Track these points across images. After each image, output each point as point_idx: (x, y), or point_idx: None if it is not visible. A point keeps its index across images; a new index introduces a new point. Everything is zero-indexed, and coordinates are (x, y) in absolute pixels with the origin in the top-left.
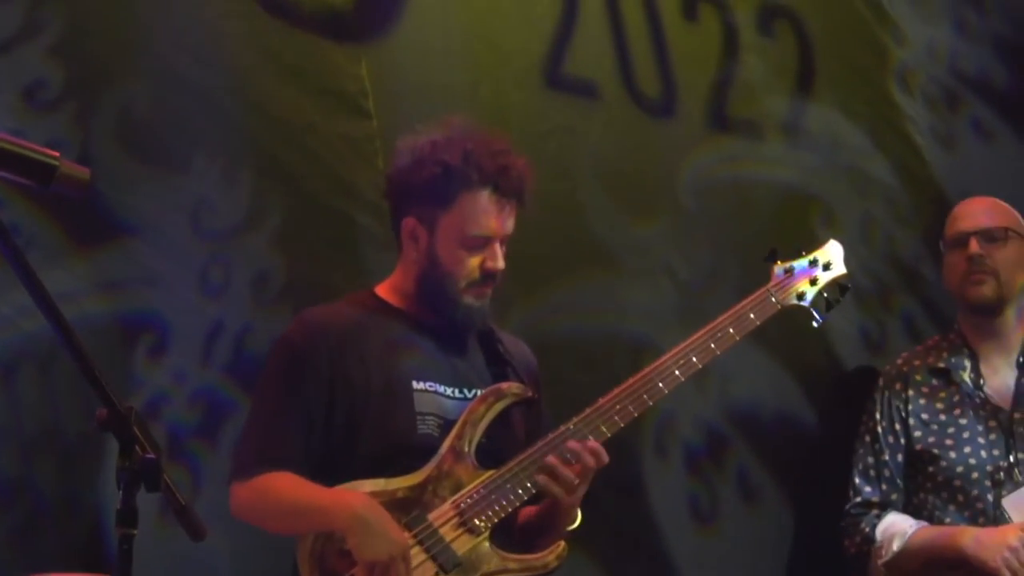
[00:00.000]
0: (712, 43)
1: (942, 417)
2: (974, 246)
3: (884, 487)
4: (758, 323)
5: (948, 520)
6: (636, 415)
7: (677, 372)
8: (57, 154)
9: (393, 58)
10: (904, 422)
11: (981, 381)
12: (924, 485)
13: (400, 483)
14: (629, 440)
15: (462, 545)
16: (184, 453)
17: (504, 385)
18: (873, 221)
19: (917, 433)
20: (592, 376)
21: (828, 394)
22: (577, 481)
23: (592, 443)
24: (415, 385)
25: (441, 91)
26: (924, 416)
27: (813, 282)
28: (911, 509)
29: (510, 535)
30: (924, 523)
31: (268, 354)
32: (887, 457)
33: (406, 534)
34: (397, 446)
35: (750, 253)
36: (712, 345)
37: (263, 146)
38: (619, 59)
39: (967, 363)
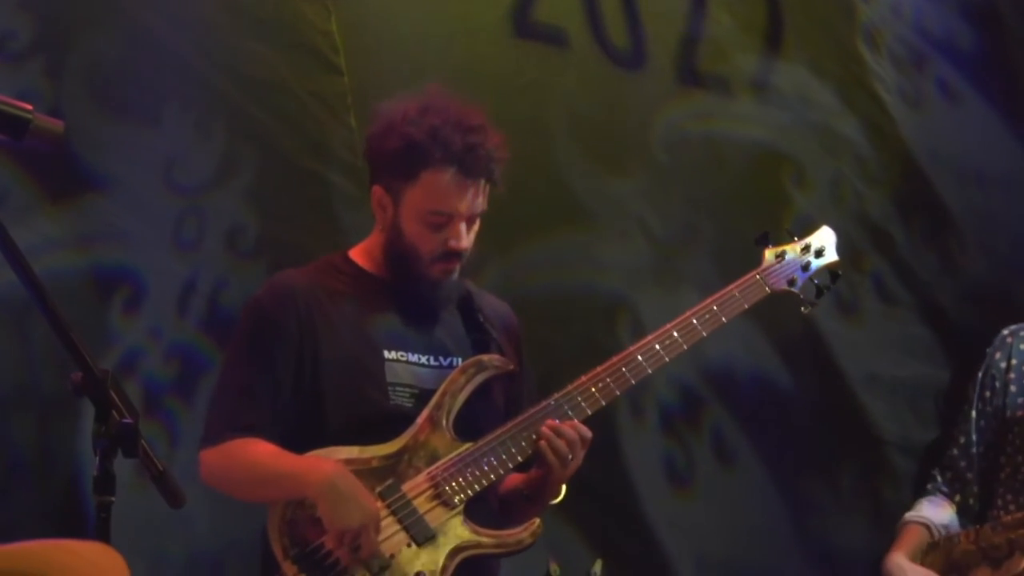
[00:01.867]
0: None
1: None
2: None
3: (960, 453)
4: (746, 306)
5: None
6: (618, 394)
7: (662, 352)
8: (31, 107)
9: (363, 12)
10: (1003, 390)
11: None
12: (1013, 457)
13: (375, 451)
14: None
15: (435, 518)
16: (160, 409)
17: (485, 357)
18: (843, 180)
19: (1019, 399)
20: (567, 333)
21: (801, 354)
22: (570, 456)
23: (574, 429)
24: (387, 355)
25: (413, 45)
26: None
27: (804, 268)
28: (996, 481)
29: (488, 504)
30: (922, 521)
31: (239, 318)
32: (969, 425)
33: (378, 503)
34: (367, 416)
35: (723, 211)
36: (699, 327)
37: (234, 103)
38: (587, 10)
39: None
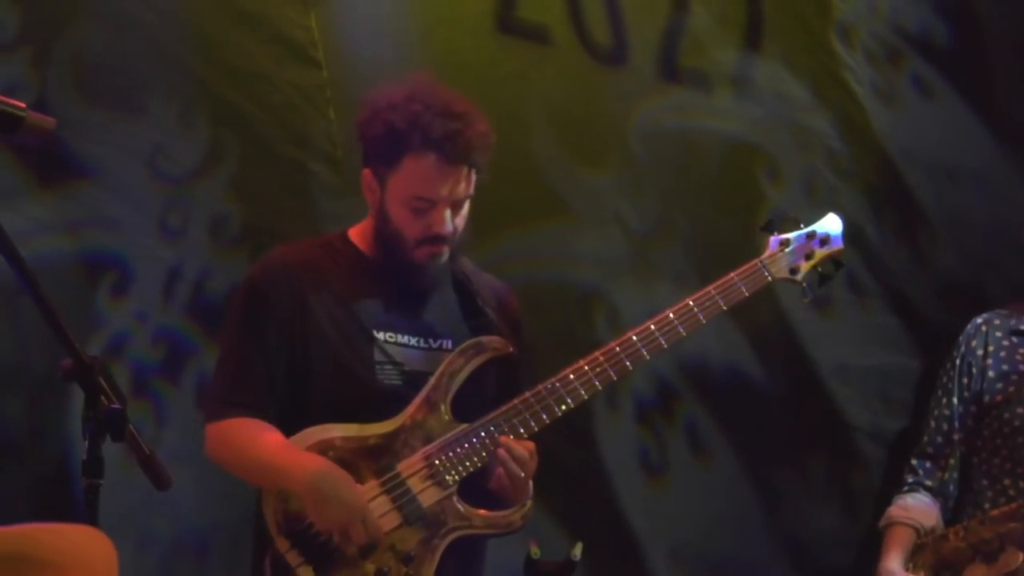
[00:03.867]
0: None
1: (1021, 368)
2: None
3: (940, 440)
4: (747, 293)
5: (1007, 481)
6: (615, 378)
7: (660, 337)
8: (23, 105)
9: (343, 5)
10: (980, 376)
11: None
12: (990, 442)
13: (373, 430)
14: None
15: (429, 497)
16: (148, 391)
17: (485, 339)
18: (816, 174)
19: (997, 385)
20: (542, 324)
21: (773, 345)
22: (522, 473)
23: (523, 445)
24: (377, 335)
25: (392, 38)
26: (1004, 367)
27: (808, 256)
28: (972, 467)
29: (480, 494)
30: (911, 523)
31: (234, 294)
32: (950, 412)
33: (372, 481)
34: (354, 394)
35: (698, 204)
36: (698, 313)
37: (217, 92)
38: (570, 5)
39: None
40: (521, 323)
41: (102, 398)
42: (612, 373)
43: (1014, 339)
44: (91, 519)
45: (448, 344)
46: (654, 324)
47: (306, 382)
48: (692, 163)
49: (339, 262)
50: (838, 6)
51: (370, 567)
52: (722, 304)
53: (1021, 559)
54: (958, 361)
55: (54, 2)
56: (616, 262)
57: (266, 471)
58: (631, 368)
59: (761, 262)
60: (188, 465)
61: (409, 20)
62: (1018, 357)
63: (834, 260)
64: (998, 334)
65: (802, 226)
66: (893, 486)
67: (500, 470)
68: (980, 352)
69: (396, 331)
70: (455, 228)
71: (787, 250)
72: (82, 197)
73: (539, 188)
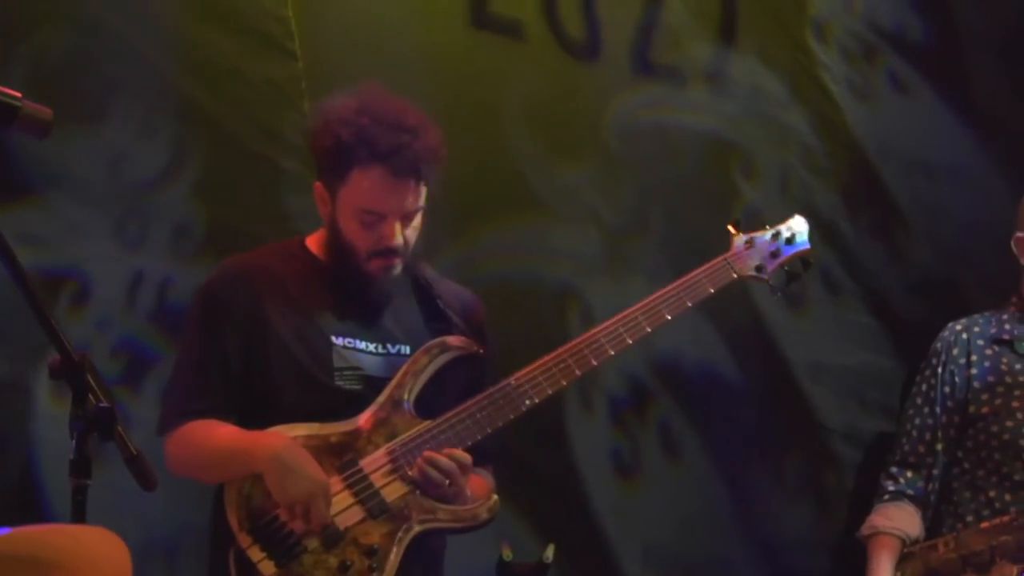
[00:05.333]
0: None
1: (1008, 380)
2: None
3: (922, 449)
4: (712, 290)
5: (992, 493)
6: (579, 374)
7: (624, 334)
8: (19, 94)
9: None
10: (965, 386)
11: None
12: (974, 453)
13: (335, 428)
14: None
15: (392, 492)
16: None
17: (450, 338)
18: (791, 171)
19: (984, 396)
20: (516, 321)
21: (748, 344)
22: (447, 482)
23: (449, 454)
24: (334, 340)
25: (368, 30)
26: (991, 379)
27: (775, 255)
28: (953, 478)
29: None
30: (897, 533)
31: (191, 302)
32: (933, 422)
33: (335, 477)
34: (314, 398)
35: (673, 201)
36: (664, 310)
37: (184, 92)
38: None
39: None
40: (486, 332)
41: (90, 396)
42: (577, 371)
43: (997, 348)
44: (78, 520)
45: (407, 351)
46: (619, 322)
47: (266, 388)
48: (667, 159)
49: (296, 269)
50: (813, 2)
51: (333, 560)
52: (688, 301)
53: (1016, 574)
54: (939, 369)
55: (17, 5)
56: (591, 259)
57: (228, 457)
58: (596, 365)
59: (726, 260)
60: (157, 472)
61: (384, 12)
62: (1003, 367)
63: (802, 259)
64: (980, 342)
65: (767, 227)
66: (867, 488)
67: (420, 484)
68: (963, 361)
69: (354, 337)
70: (406, 241)
71: (752, 249)
72: (41, 206)
73: (514, 184)
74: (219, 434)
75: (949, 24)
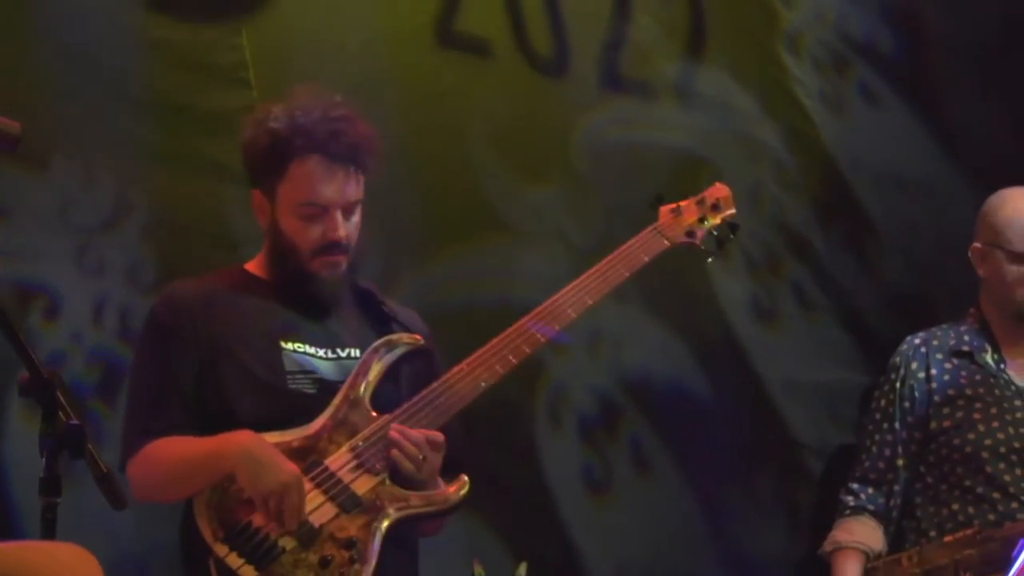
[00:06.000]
0: (605, 2)
1: (968, 392)
2: None
3: (882, 466)
4: (646, 259)
5: (955, 506)
6: (529, 352)
7: (570, 311)
8: None
9: (280, 20)
10: (925, 400)
11: (1003, 365)
12: (937, 467)
13: (296, 433)
14: (522, 407)
15: (362, 486)
16: (85, 412)
17: (395, 336)
18: (763, 187)
19: (945, 410)
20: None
21: (719, 360)
22: (422, 456)
23: (422, 433)
24: (284, 345)
25: (329, 55)
26: (951, 392)
27: (702, 220)
28: (915, 493)
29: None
30: (860, 547)
31: (138, 334)
32: (893, 438)
33: (303, 477)
34: (270, 405)
35: (642, 219)
36: (601, 284)
37: (126, 130)
38: (511, 16)
39: (988, 346)
40: (429, 340)
41: (60, 414)
42: (526, 348)
43: (956, 360)
44: (48, 539)
45: (356, 353)
46: (560, 298)
47: (220, 404)
48: (636, 176)
49: (239, 288)
50: (784, 15)
51: (313, 557)
52: (624, 271)
53: None
54: (898, 384)
55: None
56: (559, 280)
57: (197, 463)
58: (543, 341)
59: (656, 229)
60: (126, 485)
61: (348, 35)
62: (963, 380)
63: (729, 224)
64: (939, 356)
65: (690, 196)
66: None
67: (395, 459)
68: (922, 375)
69: (303, 342)
70: (348, 236)
71: (680, 217)
72: (8, 222)
73: (480, 204)
74: (184, 445)
75: (919, 35)
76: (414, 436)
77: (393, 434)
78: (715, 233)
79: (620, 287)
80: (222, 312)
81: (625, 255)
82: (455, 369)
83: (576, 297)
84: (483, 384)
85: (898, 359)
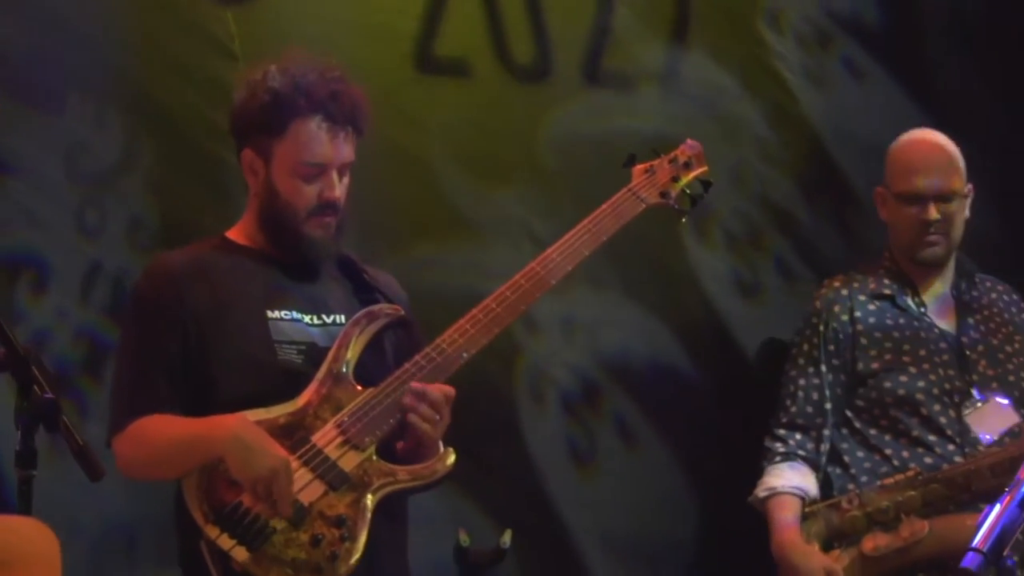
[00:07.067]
0: None
1: (895, 335)
2: (933, 212)
3: (810, 410)
4: (623, 222)
5: (888, 451)
6: (510, 321)
7: (544, 274)
8: None
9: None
10: (851, 344)
11: (923, 308)
12: (866, 411)
13: (281, 410)
14: (502, 386)
15: (349, 462)
16: (71, 387)
17: (376, 308)
18: (745, 164)
19: (872, 352)
20: None
21: (702, 337)
22: (438, 416)
23: (439, 388)
24: (270, 314)
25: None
26: (877, 335)
27: (675, 179)
28: (841, 438)
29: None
30: (796, 492)
31: (124, 310)
32: (819, 381)
33: (289, 456)
34: (260, 377)
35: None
36: (579, 247)
37: (136, 86)
38: (492, 29)
39: (908, 289)
40: (408, 307)
41: (35, 388)
42: (506, 316)
43: (879, 303)
44: (24, 511)
45: (342, 319)
46: (538, 264)
47: (207, 377)
48: (610, 167)
49: (221, 256)
50: None
51: (304, 536)
52: (602, 236)
53: (927, 529)
54: (821, 328)
55: None
56: None
57: (185, 445)
58: (523, 310)
59: (631, 190)
60: (112, 460)
61: (325, 19)
62: (889, 322)
63: (702, 181)
64: (862, 297)
65: (661, 154)
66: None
67: (412, 421)
68: (845, 317)
69: (289, 309)
70: (341, 196)
71: (653, 176)
72: (1, 193)
73: (449, 205)
74: (172, 425)
75: (906, 7)
76: (433, 396)
77: (409, 399)
78: (688, 192)
79: (593, 267)
80: (208, 284)
81: (600, 219)
82: (436, 341)
83: (553, 264)
84: (465, 355)
85: (819, 303)
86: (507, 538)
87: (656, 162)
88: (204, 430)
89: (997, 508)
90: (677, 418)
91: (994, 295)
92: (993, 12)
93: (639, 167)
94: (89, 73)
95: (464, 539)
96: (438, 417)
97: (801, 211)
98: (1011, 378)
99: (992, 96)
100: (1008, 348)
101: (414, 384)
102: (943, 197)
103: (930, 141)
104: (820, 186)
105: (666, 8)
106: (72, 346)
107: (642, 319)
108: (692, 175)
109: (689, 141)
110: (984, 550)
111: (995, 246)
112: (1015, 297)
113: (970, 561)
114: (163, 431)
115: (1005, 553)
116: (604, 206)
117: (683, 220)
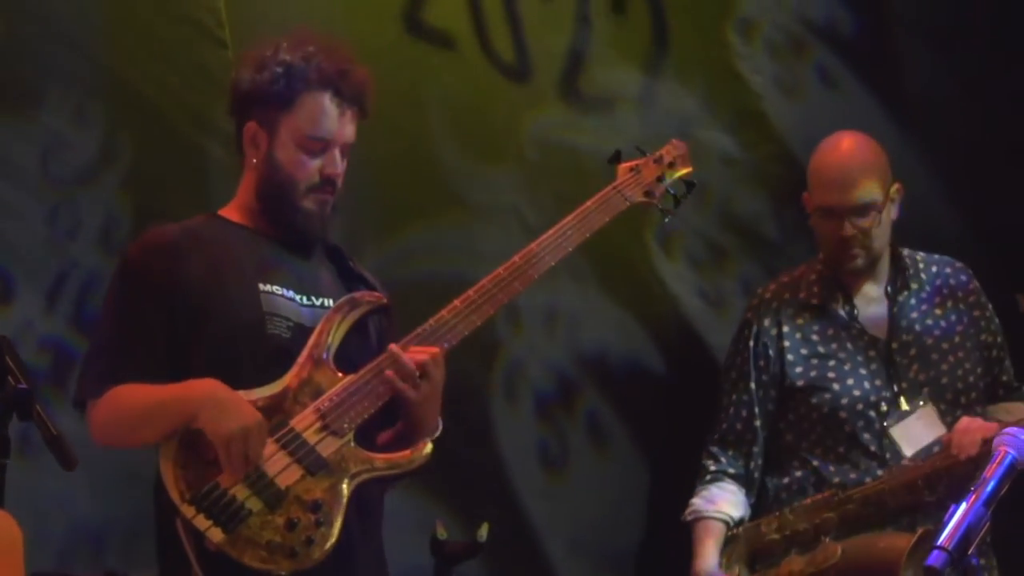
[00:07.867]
0: (566, 13)
1: (820, 350)
2: (848, 229)
3: (740, 427)
4: (607, 220)
5: (816, 463)
6: (492, 312)
7: (531, 271)
8: None
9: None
10: (779, 358)
11: (855, 312)
12: (796, 425)
13: (260, 393)
14: (478, 385)
15: (327, 447)
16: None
17: (358, 294)
18: (712, 182)
19: (798, 369)
20: None
21: (673, 338)
22: (416, 372)
23: (424, 350)
24: (262, 287)
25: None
26: (803, 351)
27: (660, 179)
28: (775, 451)
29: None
30: (721, 517)
31: (111, 277)
32: (749, 398)
33: (267, 438)
34: (247, 349)
35: None
36: (562, 243)
37: (117, 75)
38: (474, 23)
39: (839, 295)
40: (389, 300)
41: (9, 378)
42: (488, 308)
43: (806, 315)
44: None
45: (330, 303)
46: (520, 258)
47: (195, 345)
48: (580, 177)
49: (215, 232)
50: (741, 3)
51: (279, 519)
52: (585, 233)
53: (839, 552)
54: (751, 343)
55: None
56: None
57: (161, 406)
58: (505, 302)
59: (616, 188)
60: (83, 462)
61: (316, 12)
62: (815, 337)
63: (685, 182)
64: (790, 311)
65: (647, 154)
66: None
67: (388, 379)
68: (774, 332)
69: (280, 285)
70: (341, 174)
71: (639, 175)
72: None
73: (439, 181)
74: (148, 389)
75: (880, 16)
76: (409, 358)
77: (388, 373)
78: (672, 192)
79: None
80: (198, 254)
81: (586, 217)
82: (418, 329)
83: (537, 259)
84: (446, 345)
85: (750, 314)
86: (484, 532)
87: (642, 161)
88: (179, 391)
89: (963, 507)
90: (649, 420)
91: (939, 281)
92: (966, 19)
93: (624, 165)
94: (69, 64)
95: (441, 532)
96: (417, 374)
97: (770, 223)
98: (944, 380)
99: (963, 103)
100: (944, 345)
101: (391, 346)
102: (857, 211)
103: (843, 151)
104: (789, 198)
105: (643, 27)
106: (37, 355)
107: (616, 312)
108: (676, 175)
109: (674, 141)
110: (949, 548)
111: (963, 248)
112: (964, 278)
113: (935, 559)
114: (139, 395)
115: (970, 552)
116: (589, 203)
117: (666, 220)
